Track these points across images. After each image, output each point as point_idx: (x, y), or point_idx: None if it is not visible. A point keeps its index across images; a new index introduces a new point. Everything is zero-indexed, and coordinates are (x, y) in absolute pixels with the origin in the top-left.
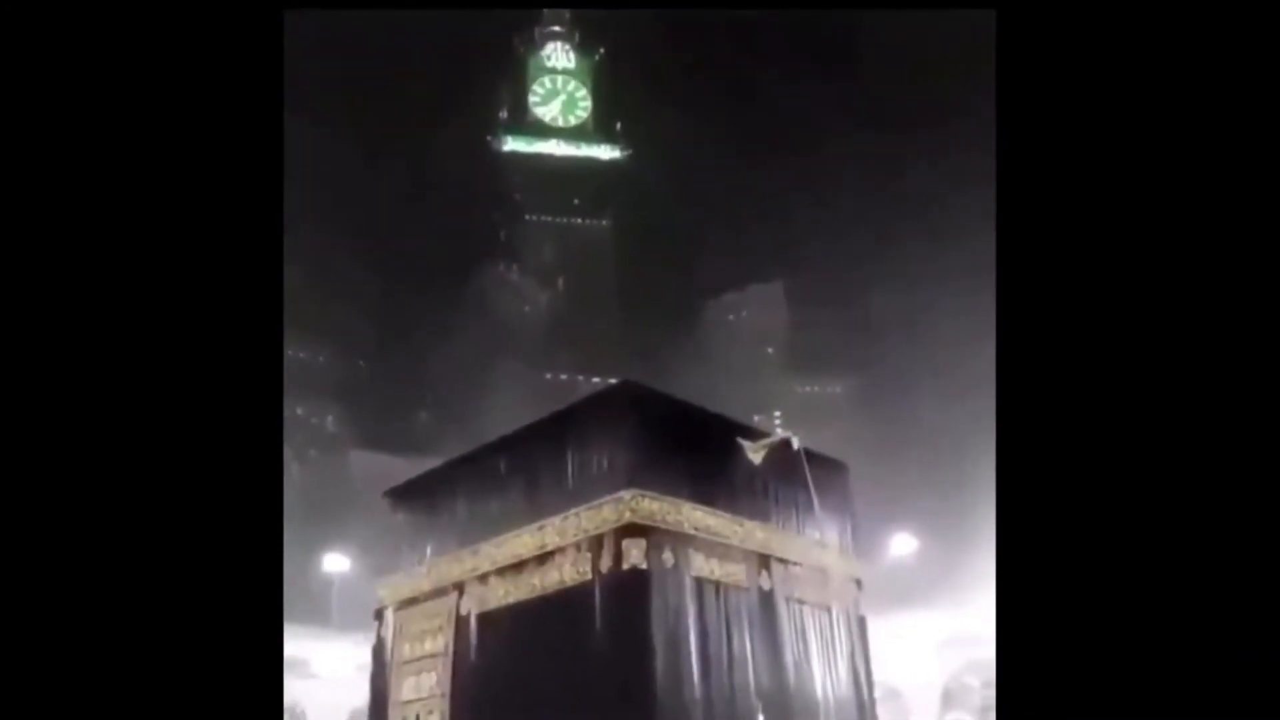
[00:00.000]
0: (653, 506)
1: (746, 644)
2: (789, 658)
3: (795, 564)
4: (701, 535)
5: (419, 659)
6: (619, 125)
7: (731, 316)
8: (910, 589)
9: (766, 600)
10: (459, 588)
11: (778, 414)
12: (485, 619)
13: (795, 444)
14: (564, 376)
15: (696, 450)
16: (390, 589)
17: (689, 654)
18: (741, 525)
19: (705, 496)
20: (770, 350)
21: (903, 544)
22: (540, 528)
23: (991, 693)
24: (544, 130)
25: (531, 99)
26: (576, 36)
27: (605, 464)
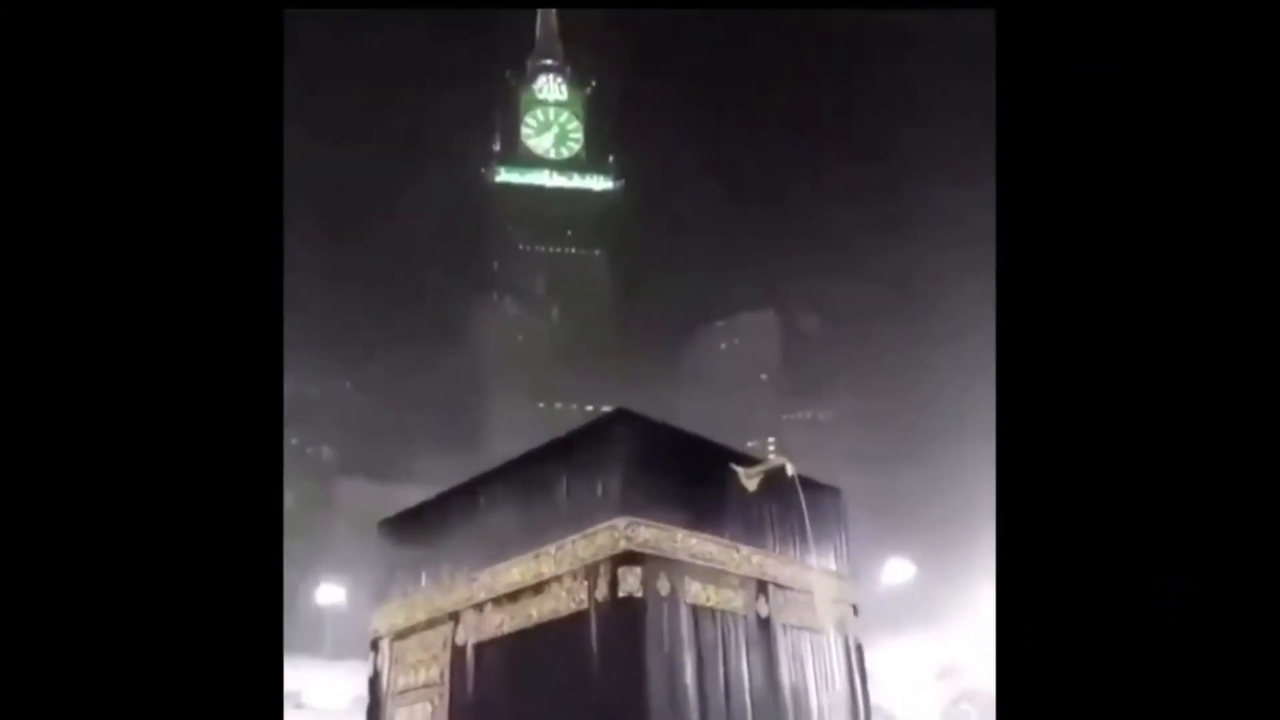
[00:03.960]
0: (648, 534)
1: (744, 671)
2: (787, 684)
3: (792, 590)
4: (697, 562)
5: (415, 689)
6: (611, 157)
7: (724, 344)
8: (906, 615)
9: (764, 627)
10: (455, 617)
11: (771, 440)
12: (481, 648)
13: (790, 470)
14: (558, 405)
15: (691, 477)
16: (385, 619)
17: (686, 682)
18: (738, 551)
19: (701, 523)
20: (764, 377)
21: (899, 570)
22: (536, 556)
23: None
24: (537, 162)
25: (524, 131)
26: (568, 70)
27: (600, 492)
